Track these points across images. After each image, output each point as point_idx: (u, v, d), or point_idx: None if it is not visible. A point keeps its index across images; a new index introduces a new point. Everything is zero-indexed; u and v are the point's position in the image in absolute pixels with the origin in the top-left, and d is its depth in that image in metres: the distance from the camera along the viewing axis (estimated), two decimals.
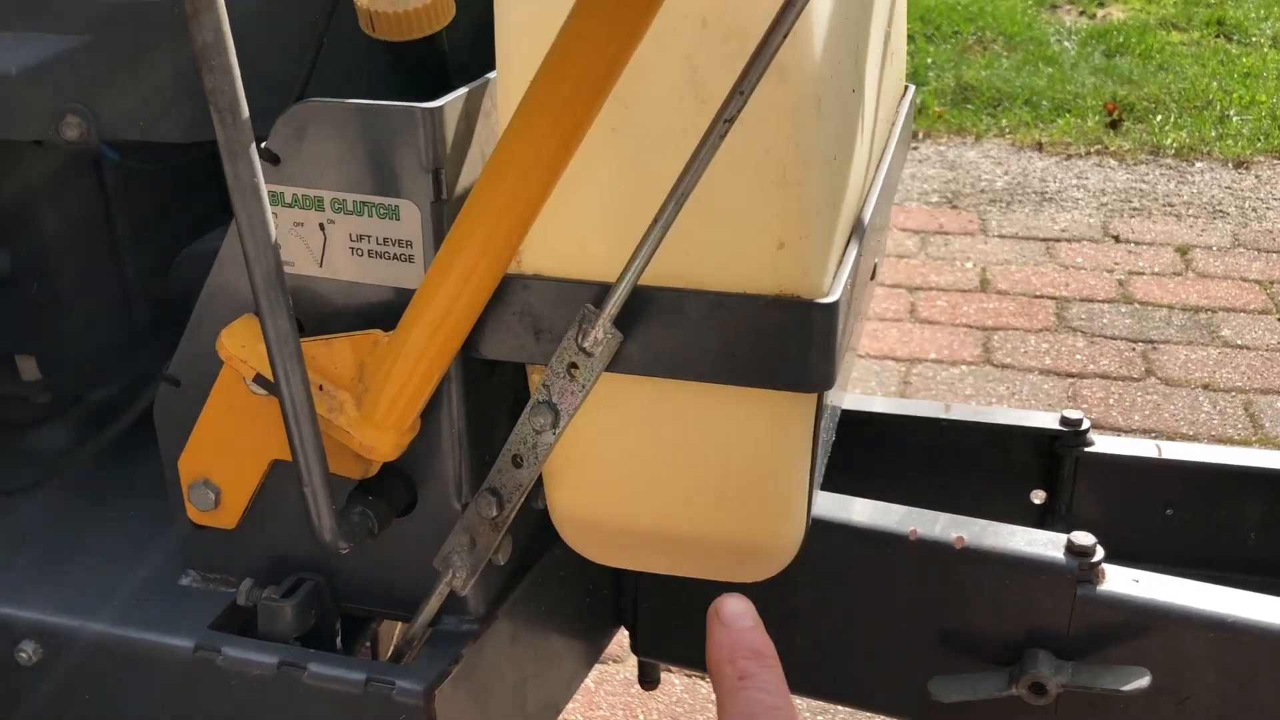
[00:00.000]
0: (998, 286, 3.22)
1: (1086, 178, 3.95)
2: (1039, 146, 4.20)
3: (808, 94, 0.74)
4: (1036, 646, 1.01)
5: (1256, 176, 3.93)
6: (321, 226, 0.85)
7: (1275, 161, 4.03)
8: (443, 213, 0.83)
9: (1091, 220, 3.62)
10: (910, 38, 4.98)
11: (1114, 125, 4.34)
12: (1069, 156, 4.12)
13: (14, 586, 0.99)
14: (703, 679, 1.88)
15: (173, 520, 0.99)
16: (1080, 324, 3.02)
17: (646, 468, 0.87)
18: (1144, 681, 0.96)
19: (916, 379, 2.79)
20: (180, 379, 0.93)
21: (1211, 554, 1.25)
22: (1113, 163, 4.06)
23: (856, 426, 1.26)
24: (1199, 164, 4.03)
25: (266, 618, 0.93)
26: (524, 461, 0.83)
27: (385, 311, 0.86)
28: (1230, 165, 4.02)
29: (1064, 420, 1.25)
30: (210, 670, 0.91)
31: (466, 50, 1.01)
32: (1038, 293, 3.18)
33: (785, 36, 0.68)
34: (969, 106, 4.47)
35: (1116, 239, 3.51)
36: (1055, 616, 1.00)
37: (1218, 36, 5.22)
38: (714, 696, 1.73)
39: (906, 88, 1.26)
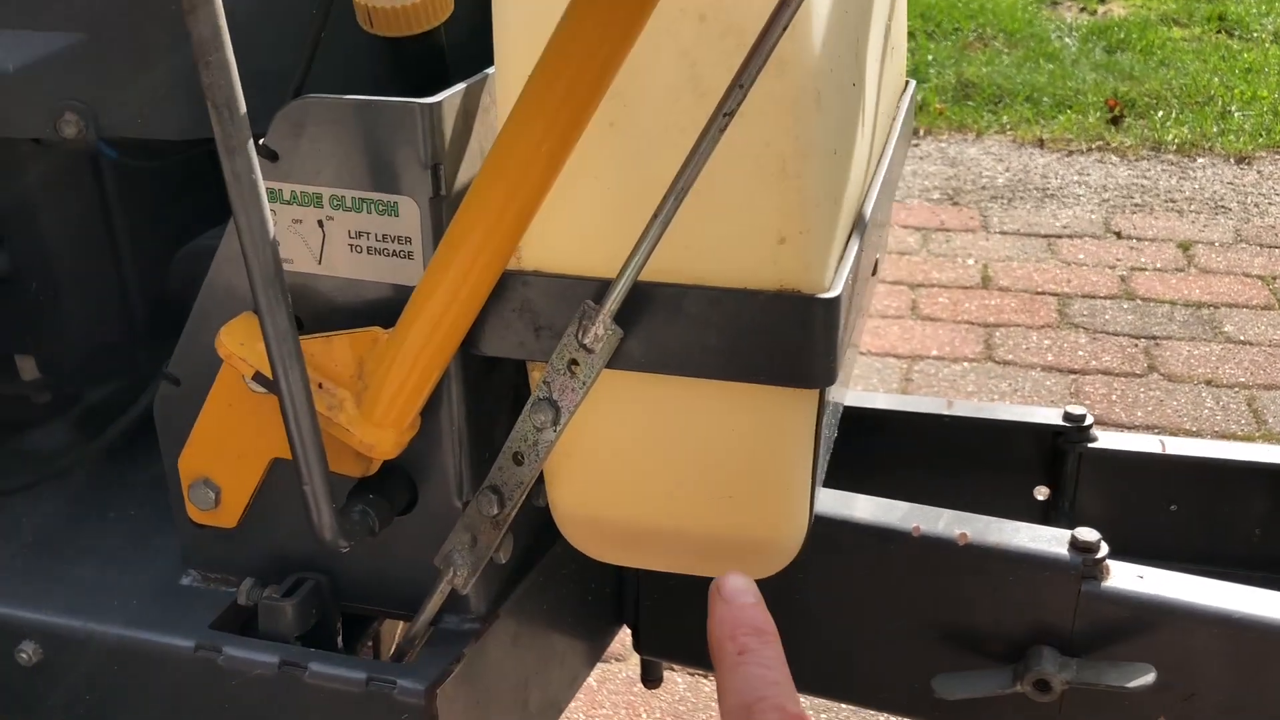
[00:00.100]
0: (999, 283, 3.21)
1: (1088, 174, 3.94)
2: (1040, 143, 4.19)
3: (807, 87, 0.74)
4: (1041, 643, 1.00)
5: (1258, 172, 3.92)
6: (320, 223, 0.85)
7: (1277, 157, 4.02)
8: (442, 209, 0.83)
9: (1093, 216, 3.62)
10: (910, 35, 4.97)
11: (1115, 121, 4.33)
12: (1070, 153, 4.11)
13: (14, 587, 0.99)
14: (705, 677, 1.87)
15: (173, 520, 0.98)
16: (1082, 320, 3.01)
17: (647, 465, 0.87)
18: (1149, 678, 0.95)
19: (918, 376, 2.79)
20: (180, 378, 0.93)
21: (1215, 550, 1.24)
22: (1114, 159, 4.06)
23: (858, 423, 1.25)
24: (1201, 160, 4.03)
25: (267, 617, 0.92)
26: (525, 459, 0.83)
27: (384, 309, 0.85)
28: (1232, 161, 4.01)
29: (1067, 416, 1.24)
30: (211, 670, 0.91)
31: (464, 46, 1.01)
32: (1039, 289, 3.17)
33: (784, 29, 0.68)
34: (970, 103, 4.46)
35: (1118, 235, 3.50)
36: (1059, 613, 1.00)
37: (1219, 32, 5.21)
38: (715, 696, 1.73)
39: (907, 83, 1.26)
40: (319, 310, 0.87)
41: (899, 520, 1.04)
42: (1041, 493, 1.29)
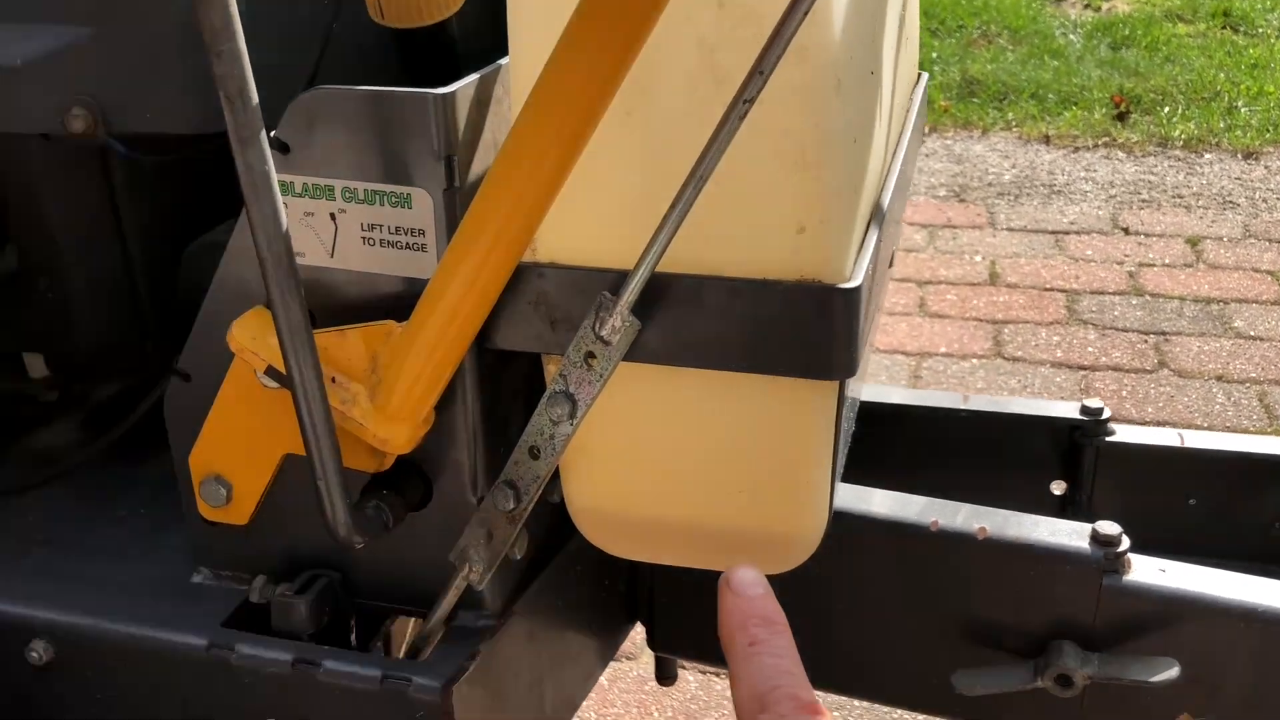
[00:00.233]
0: (1007, 280, 3.20)
1: (1094, 170, 3.92)
2: (1046, 139, 4.17)
3: (827, 74, 0.73)
4: (1062, 638, 0.99)
5: (1266, 167, 3.90)
6: (332, 216, 0.84)
7: None
8: (455, 200, 0.82)
9: (1100, 212, 3.60)
10: None
11: (1121, 117, 4.32)
12: (1076, 149, 4.10)
13: (24, 585, 0.98)
14: (717, 675, 1.87)
15: (183, 518, 0.97)
16: (1091, 316, 2.99)
17: (665, 458, 0.86)
18: (1174, 672, 0.94)
19: (927, 373, 2.78)
20: (190, 374, 0.92)
21: (1234, 544, 1.23)
22: (1121, 155, 4.04)
23: (874, 418, 1.24)
24: (1208, 155, 4.01)
25: (280, 614, 0.91)
26: (541, 453, 0.82)
27: (398, 302, 0.84)
28: (1239, 156, 3.99)
29: (1084, 410, 1.23)
30: (223, 668, 0.90)
31: (476, 37, 1.00)
32: (1048, 285, 3.16)
33: (804, 15, 0.67)
34: (975, 100, 4.45)
35: (1126, 231, 3.48)
36: (1081, 607, 0.99)
37: (1224, 28, 5.19)
38: (727, 695, 1.71)
39: (920, 75, 1.25)
40: (331, 304, 0.86)
41: (917, 515, 1.03)
42: (1058, 488, 1.27)
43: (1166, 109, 4.31)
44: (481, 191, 0.78)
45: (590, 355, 0.79)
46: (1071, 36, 5.04)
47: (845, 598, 1.07)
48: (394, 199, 0.82)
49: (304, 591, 0.92)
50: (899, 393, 1.29)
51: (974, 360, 2.81)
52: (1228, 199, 3.68)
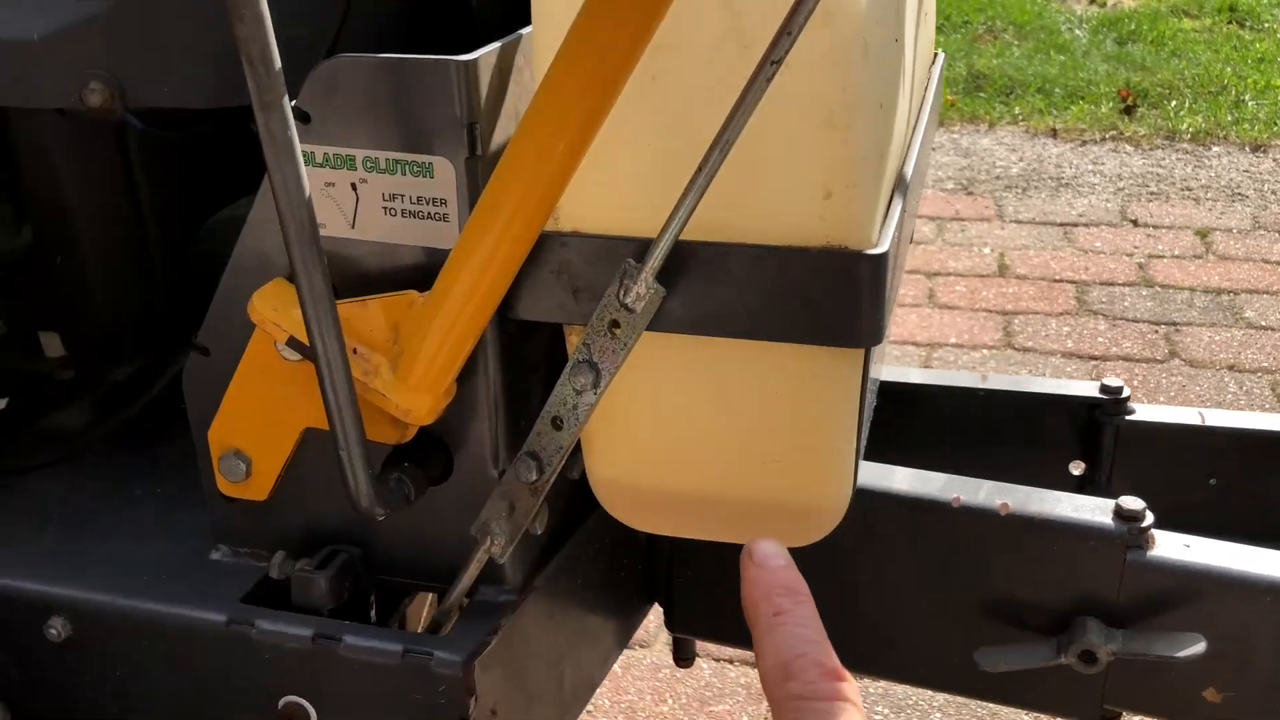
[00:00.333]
0: (1016, 271, 3.19)
1: (1102, 163, 3.92)
2: (1053, 133, 4.17)
3: (854, 37, 0.72)
4: (1085, 614, 0.99)
5: (1274, 160, 3.90)
6: (354, 186, 0.83)
7: None
8: (477, 169, 0.81)
9: (1109, 205, 3.59)
10: None
11: (1128, 111, 4.31)
12: (1084, 142, 4.09)
13: (42, 563, 0.98)
14: (731, 663, 1.86)
15: (202, 497, 0.97)
16: (1101, 307, 2.99)
17: (689, 430, 0.85)
18: (1200, 647, 0.94)
19: (938, 363, 2.77)
20: (209, 348, 0.91)
21: (1256, 524, 1.22)
22: (1128, 148, 4.03)
23: (892, 398, 1.24)
24: (1215, 148, 4.00)
25: (300, 589, 0.91)
26: (564, 423, 0.81)
27: (419, 273, 0.84)
28: (1247, 149, 3.99)
29: (1104, 389, 1.22)
30: (244, 644, 0.90)
31: (493, 6, 0.99)
32: (1057, 277, 3.15)
33: None
34: (981, 95, 4.44)
35: (1135, 223, 3.48)
36: (1104, 583, 0.98)
37: (1230, 23, 5.18)
38: (742, 681, 1.71)
39: (936, 54, 1.24)
40: (352, 276, 0.85)
41: (938, 491, 1.03)
42: (1077, 468, 1.27)
43: (1174, 103, 4.30)
44: (503, 160, 0.77)
45: (614, 324, 0.78)
46: (1077, 31, 5.03)
47: (867, 576, 1.06)
48: (415, 168, 0.82)
49: (324, 567, 0.91)
50: (917, 373, 1.28)
51: (985, 350, 2.80)
52: (1236, 191, 3.67)
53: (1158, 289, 3.07)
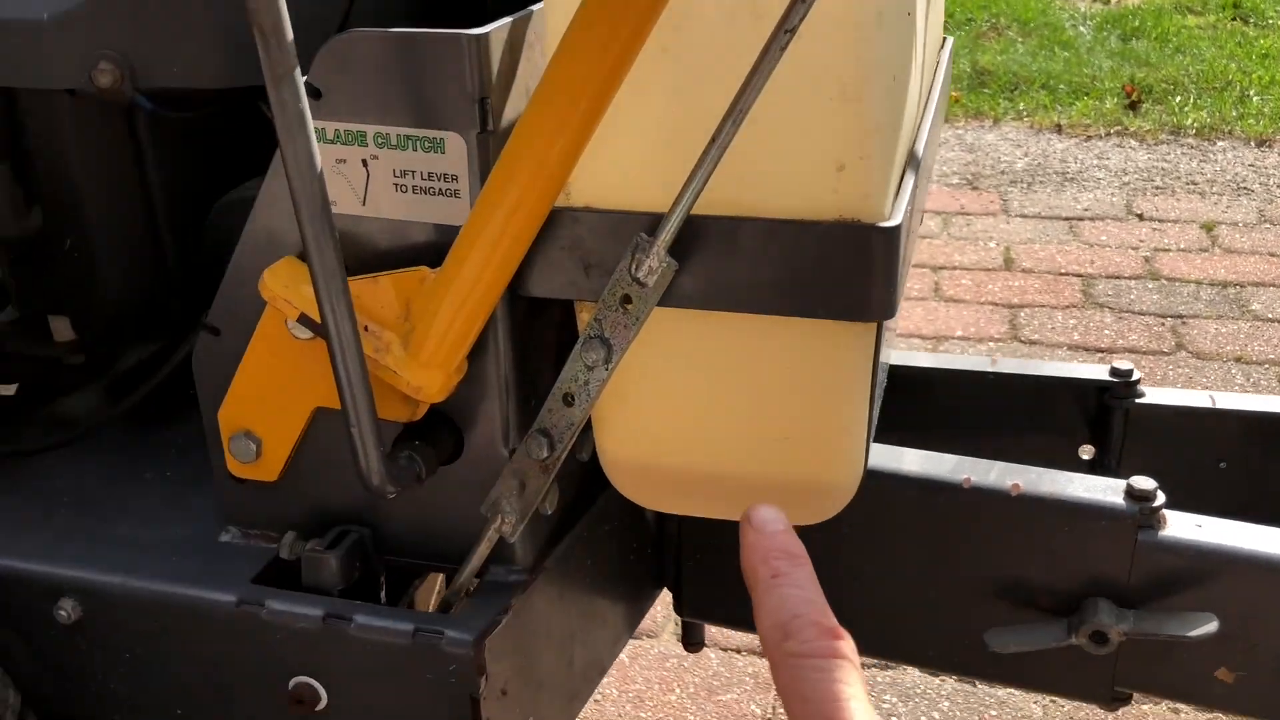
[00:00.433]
0: (1022, 265, 3.18)
1: (1107, 158, 3.91)
2: (1058, 128, 4.16)
3: (867, 7, 0.72)
4: (1096, 595, 0.98)
5: None
6: (364, 163, 0.83)
7: None
8: (489, 145, 0.81)
9: (1114, 199, 3.59)
10: None
11: (1133, 107, 4.30)
12: (1089, 138, 4.08)
13: (52, 545, 0.98)
14: (739, 652, 1.85)
15: (211, 477, 0.97)
16: (1107, 300, 2.98)
17: (700, 406, 0.85)
18: (1212, 627, 0.93)
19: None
20: (220, 328, 0.91)
21: (1266, 506, 1.22)
22: (1133, 143, 4.02)
23: (902, 382, 1.23)
24: (1220, 143, 3.99)
25: (310, 570, 0.91)
26: (575, 400, 0.81)
27: (430, 251, 0.83)
28: (1252, 144, 3.98)
29: (1114, 371, 1.22)
30: (254, 624, 0.89)
31: None
32: (1063, 270, 3.14)
33: None
34: (986, 91, 4.43)
35: (1140, 217, 3.47)
36: (1115, 564, 0.98)
37: (1234, 19, 5.17)
38: (750, 670, 1.70)
39: (946, 39, 1.24)
40: (363, 253, 0.85)
41: (949, 472, 1.02)
42: (1086, 452, 1.26)
43: (1178, 98, 4.29)
44: (514, 136, 0.77)
45: (626, 299, 0.78)
46: (1081, 28, 5.02)
47: (876, 558, 1.06)
48: (427, 144, 0.81)
49: (334, 547, 0.91)
50: (926, 357, 1.28)
51: (991, 343, 2.80)
52: (1242, 185, 3.66)
53: (1164, 282, 3.06)
